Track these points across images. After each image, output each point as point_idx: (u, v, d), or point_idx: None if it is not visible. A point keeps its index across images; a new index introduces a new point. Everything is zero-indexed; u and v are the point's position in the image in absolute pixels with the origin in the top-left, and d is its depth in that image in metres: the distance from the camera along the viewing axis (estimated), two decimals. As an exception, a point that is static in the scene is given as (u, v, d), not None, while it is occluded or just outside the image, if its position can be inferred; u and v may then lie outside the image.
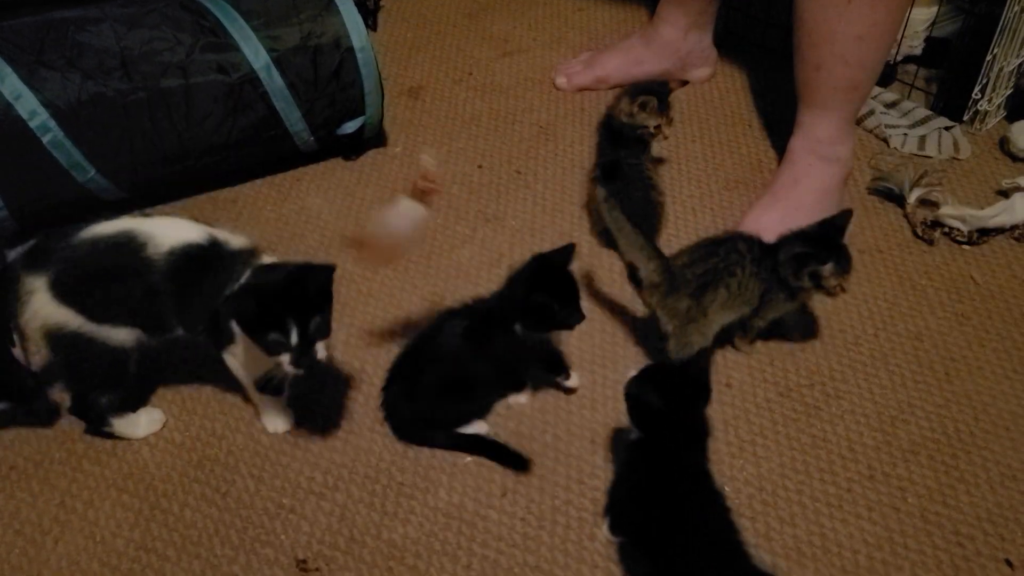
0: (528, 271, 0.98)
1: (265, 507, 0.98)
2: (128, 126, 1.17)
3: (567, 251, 0.98)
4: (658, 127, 1.23)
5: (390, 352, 1.12)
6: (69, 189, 1.19)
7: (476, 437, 1.04)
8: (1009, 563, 0.93)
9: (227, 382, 1.09)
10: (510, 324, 0.98)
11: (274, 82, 1.21)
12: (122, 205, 1.29)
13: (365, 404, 1.08)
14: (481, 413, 1.06)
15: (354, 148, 1.41)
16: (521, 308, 0.97)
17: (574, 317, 0.97)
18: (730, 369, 1.11)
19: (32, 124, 1.11)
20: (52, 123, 1.12)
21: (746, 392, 1.08)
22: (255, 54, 1.20)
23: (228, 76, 1.19)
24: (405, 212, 0.92)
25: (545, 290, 0.95)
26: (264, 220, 1.32)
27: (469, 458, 1.02)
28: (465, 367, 1.01)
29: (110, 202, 1.27)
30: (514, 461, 1.01)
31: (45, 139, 1.13)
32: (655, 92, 1.22)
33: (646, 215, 1.23)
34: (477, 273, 1.24)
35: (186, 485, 0.99)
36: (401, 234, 0.93)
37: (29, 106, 1.10)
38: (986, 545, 0.94)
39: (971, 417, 1.06)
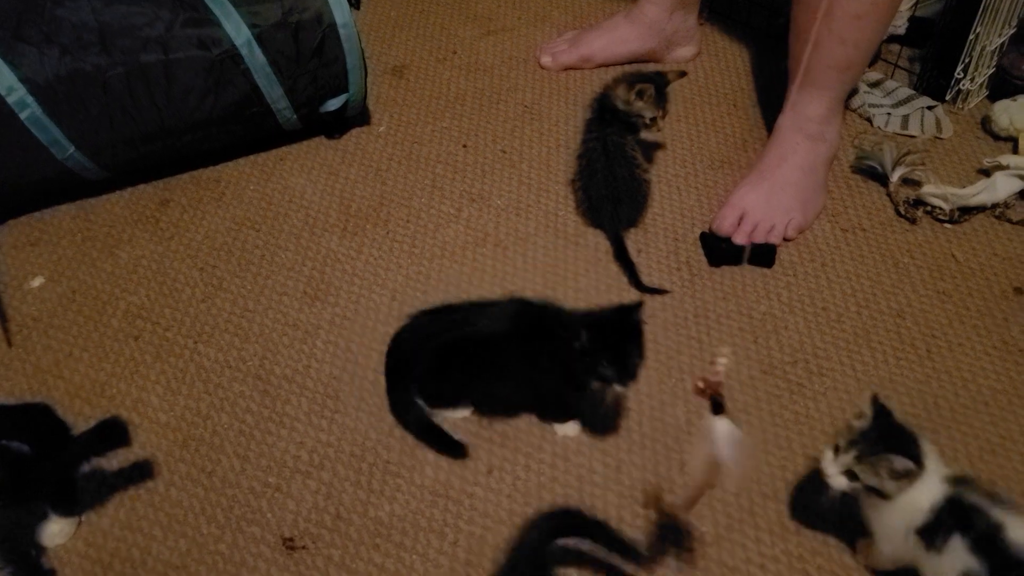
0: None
1: (251, 486, 0.98)
2: (107, 102, 1.15)
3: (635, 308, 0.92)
4: (654, 119, 1.24)
5: (375, 331, 1.13)
6: (48, 167, 1.17)
7: (424, 420, 1.02)
8: (987, 535, 0.94)
9: (210, 363, 1.09)
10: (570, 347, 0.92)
11: (256, 58, 1.20)
12: (103, 184, 1.28)
13: (351, 383, 1.07)
14: (464, 399, 1.04)
15: (337, 126, 1.39)
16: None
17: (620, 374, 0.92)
18: (715, 346, 1.12)
19: (9, 100, 1.09)
20: (30, 99, 1.10)
21: (730, 370, 1.09)
22: (236, 30, 1.18)
23: (209, 52, 1.17)
24: (720, 435, 0.79)
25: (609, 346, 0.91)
26: (247, 200, 1.30)
27: (456, 437, 1.02)
28: (496, 351, 0.98)
29: (91, 181, 1.26)
30: (450, 448, 1.01)
31: (23, 115, 1.10)
32: (653, 82, 1.22)
33: (631, 194, 1.24)
34: (463, 252, 1.23)
35: (171, 464, 0.99)
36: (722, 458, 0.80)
37: (6, 82, 1.08)
38: (965, 518, 0.96)
39: (951, 392, 1.07)
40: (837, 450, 0.83)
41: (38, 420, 0.87)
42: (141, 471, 0.98)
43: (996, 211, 1.27)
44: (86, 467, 0.93)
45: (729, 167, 1.36)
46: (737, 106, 1.47)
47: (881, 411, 0.82)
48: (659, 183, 1.32)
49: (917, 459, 0.80)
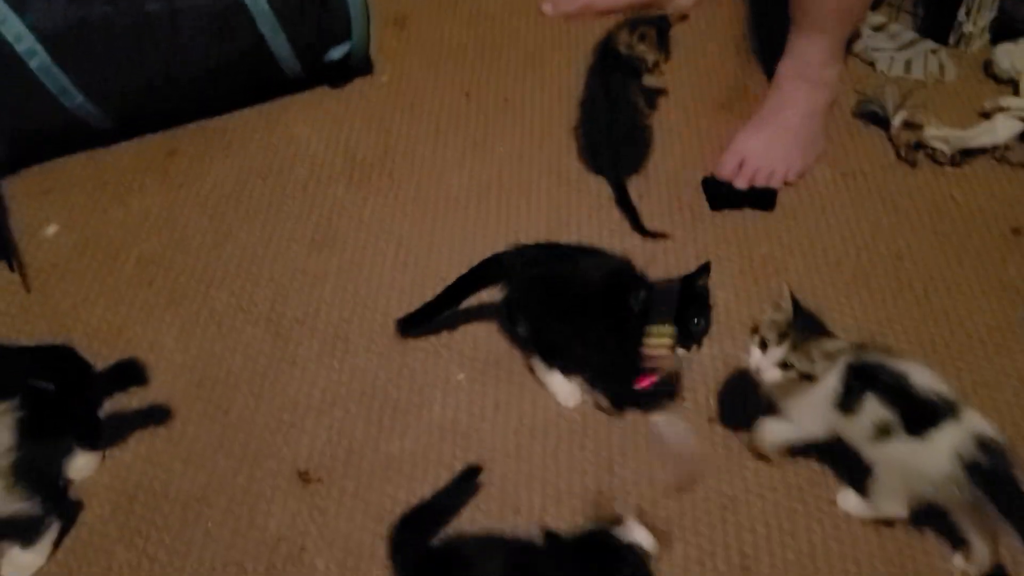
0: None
1: (266, 423, 1.01)
2: (113, 51, 1.16)
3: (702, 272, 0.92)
4: (656, 63, 1.24)
5: (382, 277, 1.15)
6: (58, 116, 1.19)
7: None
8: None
9: (223, 307, 1.12)
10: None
11: (259, 6, 1.20)
12: (112, 134, 1.30)
13: (360, 326, 1.10)
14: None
15: (341, 75, 1.40)
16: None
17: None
18: (715, 289, 1.12)
19: (19, 48, 1.10)
20: (39, 47, 1.11)
21: (731, 311, 1.11)
22: (241, -23, 1.18)
23: (213, 0, 1.18)
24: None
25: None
26: (253, 150, 1.32)
27: (462, 375, 1.05)
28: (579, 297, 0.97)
29: (101, 130, 1.27)
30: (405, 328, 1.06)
31: (32, 63, 1.12)
32: (655, 26, 1.23)
33: (633, 139, 1.25)
34: (467, 200, 1.25)
35: (188, 403, 1.02)
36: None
37: (15, 30, 1.09)
38: (958, 448, 0.98)
39: (947, 331, 1.09)
40: (764, 346, 0.86)
41: (61, 360, 0.90)
42: (159, 410, 1.01)
43: (996, 153, 1.28)
44: (106, 405, 0.96)
45: (730, 113, 1.37)
46: (739, 52, 1.47)
47: (796, 302, 0.85)
48: (660, 129, 1.32)
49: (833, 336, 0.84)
